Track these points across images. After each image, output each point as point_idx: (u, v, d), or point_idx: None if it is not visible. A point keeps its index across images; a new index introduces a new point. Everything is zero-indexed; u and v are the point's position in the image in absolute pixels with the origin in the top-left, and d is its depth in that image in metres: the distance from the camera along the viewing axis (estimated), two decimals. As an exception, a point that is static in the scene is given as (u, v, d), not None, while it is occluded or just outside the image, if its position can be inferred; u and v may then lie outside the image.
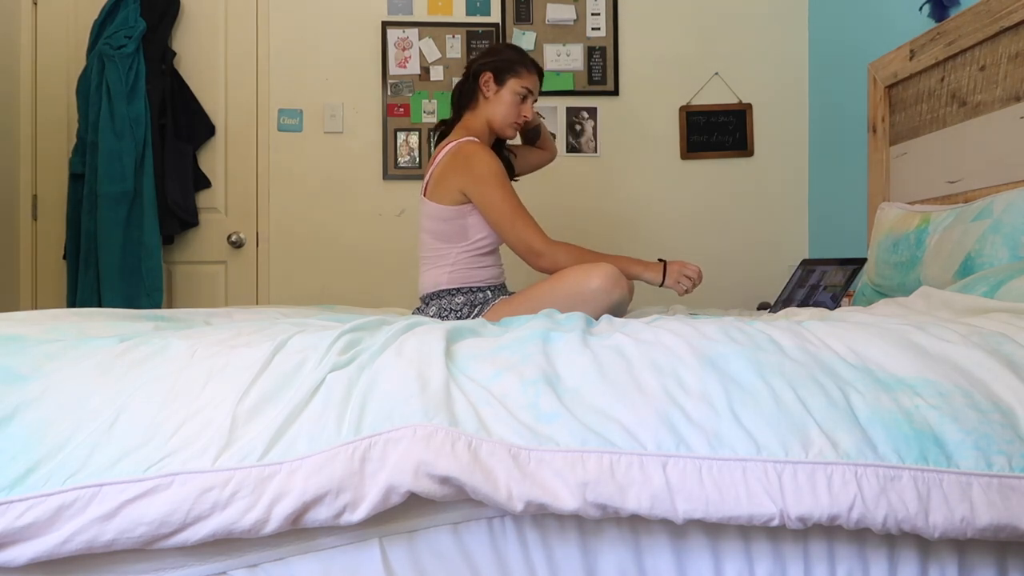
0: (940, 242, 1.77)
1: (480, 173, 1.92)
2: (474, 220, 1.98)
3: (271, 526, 0.75)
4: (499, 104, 2.04)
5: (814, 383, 0.84)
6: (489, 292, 2.02)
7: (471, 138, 1.99)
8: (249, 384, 0.85)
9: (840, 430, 0.79)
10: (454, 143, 1.99)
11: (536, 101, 2.14)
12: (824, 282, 2.02)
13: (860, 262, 1.95)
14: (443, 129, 2.16)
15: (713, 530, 0.82)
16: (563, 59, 3.18)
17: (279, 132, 3.13)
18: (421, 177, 3.15)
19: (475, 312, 1.96)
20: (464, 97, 2.10)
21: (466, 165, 1.93)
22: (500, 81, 2.04)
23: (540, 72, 2.10)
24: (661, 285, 1.97)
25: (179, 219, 3.02)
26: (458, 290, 2.00)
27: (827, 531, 0.81)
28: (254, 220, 3.14)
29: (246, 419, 0.81)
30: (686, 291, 1.96)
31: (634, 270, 1.96)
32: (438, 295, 2.01)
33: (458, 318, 1.95)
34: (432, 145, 2.22)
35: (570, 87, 3.18)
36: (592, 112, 3.20)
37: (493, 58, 2.06)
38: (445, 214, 1.98)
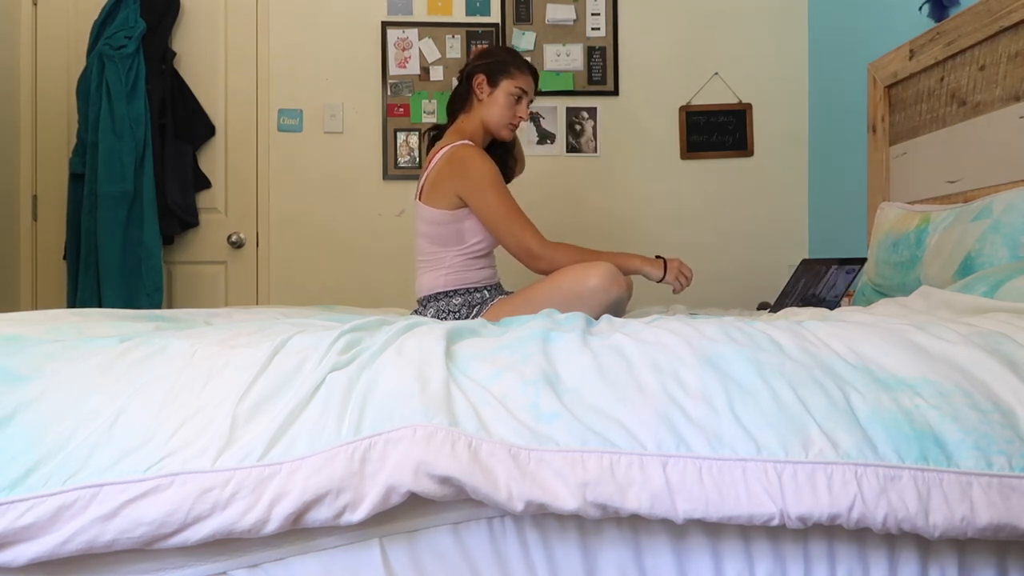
0: (940, 242, 1.77)
1: (475, 177, 1.91)
2: (470, 224, 1.98)
3: (271, 526, 0.75)
4: (493, 106, 2.03)
5: (814, 383, 0.84)
6: (486, 292, 2.02)
7: (465, 141, 1.98)
8: (249, 384, 0.84)
9: (840, 430, 0.78)
10: (448, 147, 1.98)
11: (532, 102, 2.13)
12: (823, 282, 2.02)
13: (860, 262, 1.95)
14: (436, 132, 2.15)
15: (713, 530, 0.82)
16: (563, 59, 3.18)
17: (279, 132, 3.13)
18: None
19: (473, 312, 1.96)
20: (458, 100, 2.10)
21: (461, 169, 1.92)
22: (493, 83, 2.03)
23: (534, 73, 2.10)
24: (661, 280, 1.97)
25: (179, 219, 3.02)
26: (455, 292, 2.00)
27: (827, 531, 0.81)
28: (254, 220, 3.14)
29: (246, 419, 0.81)
30: (681, 288, 1.97)
31: (633, 264, 1.96)
32: (435, 297, 2.01)
33: (456, 319, 1.95)
34: (425, 148, 2.22)
35: (570, 87, 3.18)
36: (592, 112, 3.20)
37: (486, 60, 2.06)
38: (441, 218, 1.97)
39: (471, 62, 2.09)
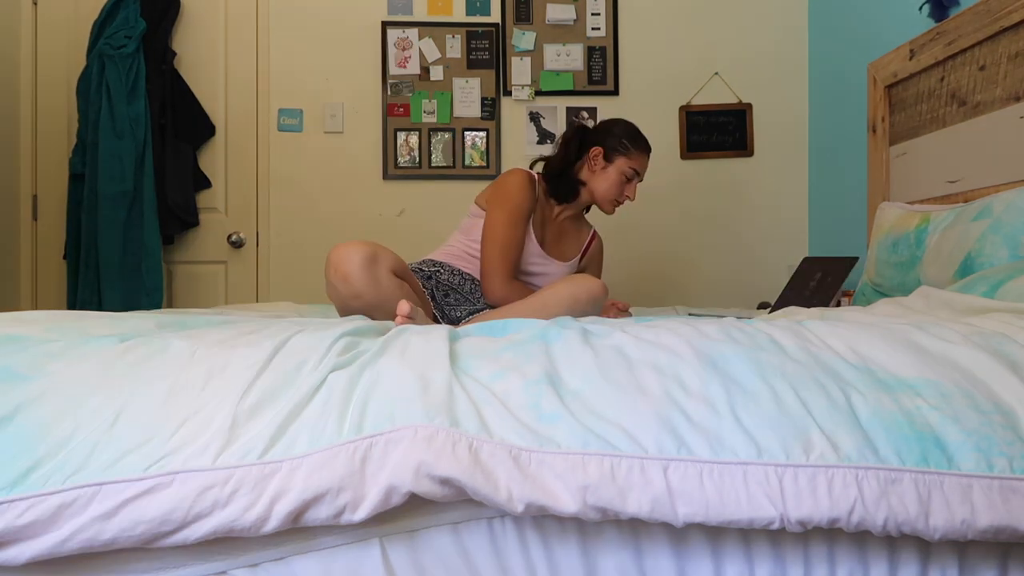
0: (940, 242, 1.77)
1: (501, 192, 2.00)
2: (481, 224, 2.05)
3: (271, 524, 0.75)
4: (604, 180, 2.11)
5: (815, 384, 0.84)
6: (463, 278, 2.03)
7: (528, 170, 2.08)
8: (250, 383, 0.84)
9: (841, 432, 0.78)
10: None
11: (641, 180, 2.19)
12: (822, 281, 2.03)
13: (854, 260, 1.96)
14: (549, 169, 2.17)
15: (713, 532, 0.82)
16: (563, 59, 3.19)
17: (279, 132, 3.13)
18: (421, 177, 3.17)
19: (438, 292, 1.96)
20: (564, 161, 2.13)
21: (499, 180, 2.05)
22: (609, 159, 2.10)
23: (650, 151, 2.17)
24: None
25: (179, 219, 3.03)
26: (441, 264, 2.03)
27: (827, 533, 0.81)
28: (254, 220, 3.14)
29: (247, 418, 0.81)
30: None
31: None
32: (423, 263, 2.04)
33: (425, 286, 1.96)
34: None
35: (570, 87, 3.19)
36: (592, 112, 3.20)
37: (607, 135, 2.11)
38: (474, 211, 2.09)
39: (593, 130, 2.15)
